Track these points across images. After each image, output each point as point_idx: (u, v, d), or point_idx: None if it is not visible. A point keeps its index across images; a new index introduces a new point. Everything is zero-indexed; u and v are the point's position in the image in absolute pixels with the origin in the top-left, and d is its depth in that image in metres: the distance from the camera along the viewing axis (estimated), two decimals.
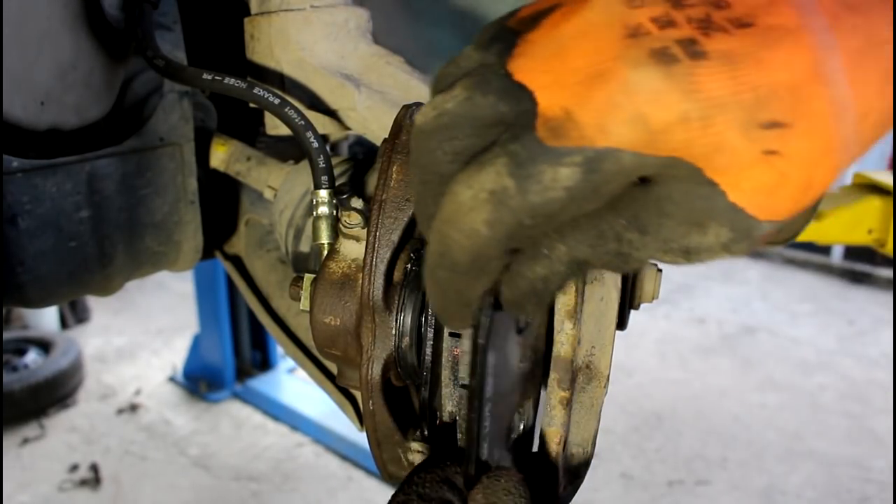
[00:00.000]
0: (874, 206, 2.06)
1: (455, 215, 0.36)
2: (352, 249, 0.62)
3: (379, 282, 0.57)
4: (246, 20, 0.92)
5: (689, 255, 0.36)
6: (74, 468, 3.46)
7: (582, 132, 0.32)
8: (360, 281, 0.58)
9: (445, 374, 0.56)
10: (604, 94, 0.32)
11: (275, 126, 0.95)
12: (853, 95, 0.32)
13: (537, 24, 0.36)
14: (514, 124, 0.34)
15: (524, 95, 0.34)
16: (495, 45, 0.37)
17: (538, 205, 0.34)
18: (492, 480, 0.46)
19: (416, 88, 0.88)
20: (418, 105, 0.63)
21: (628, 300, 0.62)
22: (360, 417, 0.89)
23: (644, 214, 0.36)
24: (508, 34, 0.37)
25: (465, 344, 0.49)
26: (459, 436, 0.53)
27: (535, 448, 0.54)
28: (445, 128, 0.36)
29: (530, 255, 0.39)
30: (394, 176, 0.58)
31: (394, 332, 0.58)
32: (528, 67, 0.34)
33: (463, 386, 0.49)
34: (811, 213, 0.39)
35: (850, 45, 0.32)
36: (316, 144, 0.71)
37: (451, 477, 0.50)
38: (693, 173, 0.33)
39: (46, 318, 4.79)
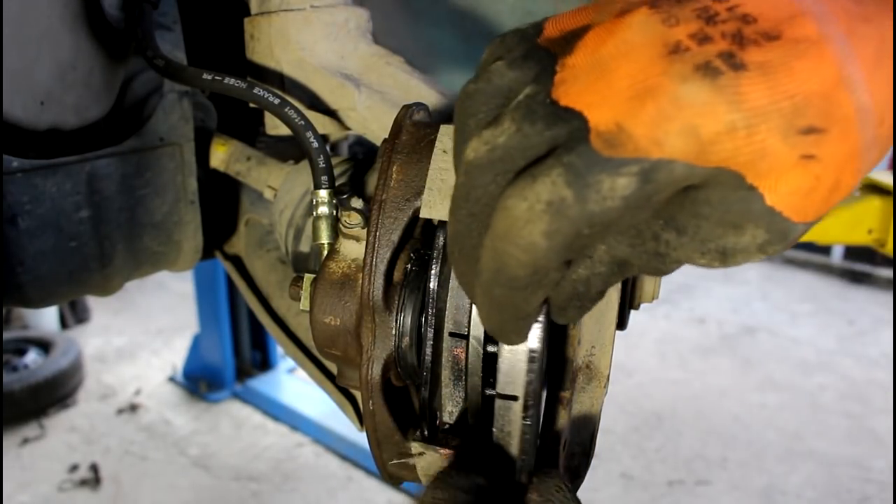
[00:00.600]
0: (874, 206, 2.06)
1: (511, 230, 0.36)
2: (352, 249, 0.62)
3: (379, 282, 0.57)
4: (246, 20, 0.92)
5: (724, 256, 0.37)
6: (74, 468, 3.46)
7: (637, 144, 0.33)
8: (360, 281, 0.58)
9: (445, 374, 0.56)
10: (655, 108, 0.33)
11: (275, 126, 0.95)
12: (872, 101, 0.34)
13: (573, 47, 0.37)
14: (568, 140, 0.35)
15: (573, 116, 0.35)
16: (531, 67, 0.38)
17: (597, 214, 0.34)
18: (542, 480, 0.46)
19: (416, 88, 0.88)
20: (418, 105, 0.63)
21: (628, 300, 0.62)
22: (360, 417, 0.89)
23: (681, 216, 0.37)
24: (543, 56, 0.38)
25: (508, 353, 0.48)
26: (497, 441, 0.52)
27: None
28: (500, 161, 0.37)
29: (581, 262, 0.40)
30: (394, 176, 0.58)
31: (394, 332, 0.58)
32: (574, 92, 0.35)
33: (502, 396, 0.49)
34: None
35: (866, 54, 0.34)
36: (316, 144, 0.71)
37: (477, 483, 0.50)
38: (734, 179, 0.34)
39: (46, 318, 4.79)
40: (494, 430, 0.50)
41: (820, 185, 0.35)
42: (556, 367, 0.56)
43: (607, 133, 0.34)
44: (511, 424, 0.49)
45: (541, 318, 0.46)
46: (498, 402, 0.49)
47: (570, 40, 0.37)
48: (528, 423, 0.48)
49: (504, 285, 0.38)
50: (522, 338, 0.44)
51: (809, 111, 0.33)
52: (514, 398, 0.48)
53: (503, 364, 0.48)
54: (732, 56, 0.33)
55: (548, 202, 0.34)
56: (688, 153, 0.33)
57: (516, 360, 0.47)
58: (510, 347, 0.47)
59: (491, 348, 0.52)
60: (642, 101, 0.33)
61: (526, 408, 0.48)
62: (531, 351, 0.47)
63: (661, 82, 0.33)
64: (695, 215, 0.36)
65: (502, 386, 0.48)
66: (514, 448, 0.49)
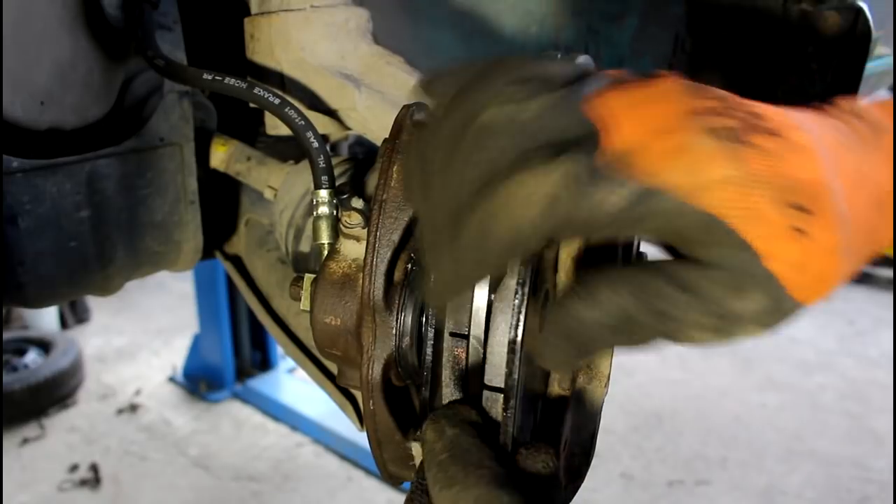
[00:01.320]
0: None
1: (505, 208, 0.39)
2: (352, 249, 0.62)
3: (379, 282, 0.57)
4: (246, 20, 0.92)
5: (724, 323, 0.40)
6: (74, 468, 3.46)
7: (638, 171, 0.38)
8: (361, 281, 0.58)
9: (446, 373, 0.55)
10: (662, 146, 0.38)
11: (275, 126, 0.95)
12: (850, 213, 0.39)
13: (617, 83, 0.42)
14: (581, 147, 0.39)
15: (594, 131, 0.39)
16: (572, 72, 0.43)
17: (582, 219, 0.38)
18: (530, 453, 0.47)
19: None
20: (419, 105, 0.63)
21: None
22: (360, 417, 0.89)
23: (689, 275, 0.40)
24: (591, 75, 0.43)
25: (497, 347, 0.49)
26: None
27: None
28: (516, 132, 0.40)
29: (584, 300, 0.42)
30: (394, 176, 0.58)
31: (394, 332, 0.58)
32: (606, 108, 0.39)
33: (489, 388, 0.49)
34: None
35: (848, 175, 0.40)
36: (316, 144, 0.71)
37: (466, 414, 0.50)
38: (732, 237, 0.38)
39: (46, 318, 4.79)
40: (483, 421, 0.50)
41: (810, 263, 0.38)
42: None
43: (615, 154, 0.38)
44: (496, 417, 0.49)
45: (522, 312, 0.46)
46: (485, 394, 0.50)
47: (609, 81, 0.42)
48: (508, 414, 0.48)
49: (475, 250, 0.41)
50: (451, 298, 0.49)
51: (800, 192, 0.38)
52: (500, 390, 0.48)
53: (492, 356, 0.49)
54: (740, 134, 0.38)
55: (545, 195, 0.38)
56: (682, 190, 0.37)
57: (503, 352, 0.48)
58: (500, 341, 0.48)
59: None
60: (655, 138, 0.38)
61: (507, 399, 0.48)
62: (511, 342, 0.47)
63: (676, 128, 0.38)
64: (705, 277, 0.40)
65: (489, 378, 0.49)
66: (500, 440, 0.50)
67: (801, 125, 0.41)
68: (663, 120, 0.38)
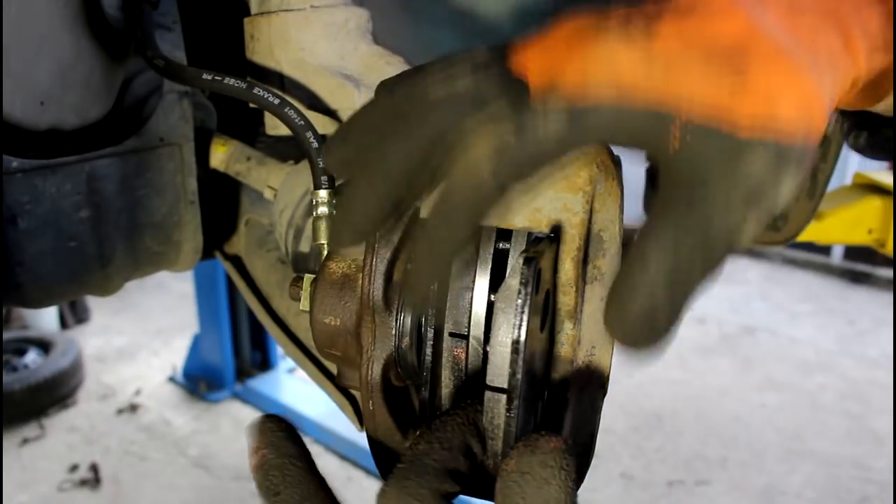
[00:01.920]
0: (874, 206, 2.06)
1: (461, 174, 0.43)
2: (352, 250, 0.62)
3: (379, 282, 0.57)
4: (246, 20, 0.92)
5: (754, 201, 0.38)
6: (74, 468, 3.46)
7: (566, 95, 0.40)
8: (360, 281, 0.58)
9: (446, 374, 0.56)
10: (579, 63, 0.40)
11: (275, 126, 0.95)
12: (794, 37, 0.39)
13: (527, 39, 0.45)
14: (514, 100, 0.42)
15: (522, 80, 0.41)
16: (490, 50, 0.46)
17: (530, 153, 0.41)
18: (527, 449, 0.43)
19: None
20: None
21: None
22: (360, 417, 0.89)
23: (687, 193, 0.39)
24: (511, 45, 0.46)
25: (499, 346, 0.49)
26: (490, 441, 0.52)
27: None
28: (455, 98, 0.43)
29: (645, 273, 0.41)
30: None
31: (394, 332, 0.58)
32: (524, 58, 0.42)
33: (491, 388, 0.49)
34: (811, 212, 0.41)
35: (779, 6, 0.40)
36: (316, 144, 0.71)
37: (475, 419, 0.50)
38: (691, 128, 0.37)
39: (46, 318, 4.79)
40: (485, 422, 0.50)
41: (778, 100, 0.37)
42: (556, 367, 0.56)
43: (542, 89, 0.40)
44: (499, 417, 0.49)
45: (525, 312, 0.46)
46: (487, 395, 0.50)
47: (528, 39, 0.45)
48: (512, 415, 0.48)
49: (444, 227, 0.44)
50: (432, 283, 0.50)
51: (724, 49, 0.38)
52: (503, 390, 0.48)
53: (494, 357, 0.49)
54: (648, 25, 0.39)
55: (492, 147, 0.41)
56: (611, 97, 0.39)
57: (506, 352, 0.48)
58: (502, 341, 0.48)
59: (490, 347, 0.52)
60: (572, 61, 0.40)
61: (510, 400, 0.48)
62: (514, 342, 0.47)
63: (586, 44, 0.40)
64: (700, 183, 0.39)
65: (491, 378, 0.49)
66: (499, 442, 0.50)
67: None
68: (573, 44, 0.41)
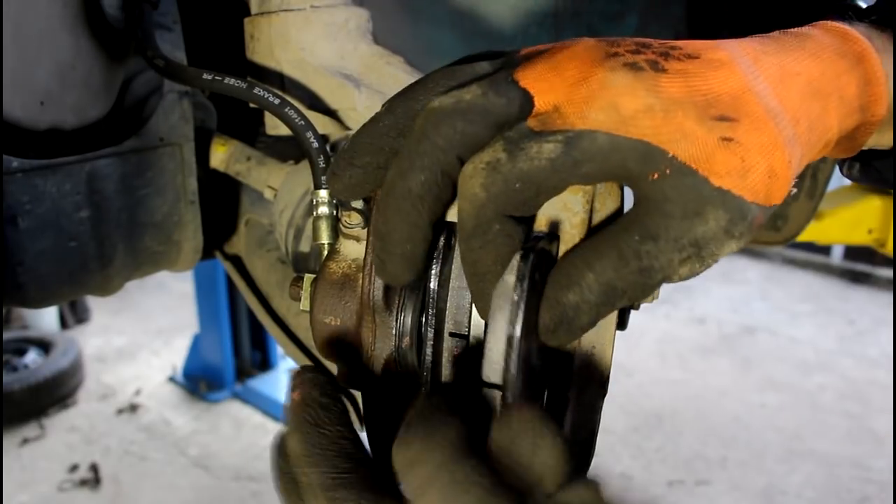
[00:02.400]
0: (874, 206, 2.06)
1: (462, 188, 0.43)
2: (352, 249, 0.62)
3: (379, 282, 0.57)
4: (246, 20, 0.92)
5: (699, 249, 0.41)
6: (74, 468, 3.46)
7: (565, 120, 0.41)
8: (361, 281, 0.58)
9: (446, 374, 0.56)
10: (584, 90, 0.41)
11: (275, 126, 0.95)
12: (781, 106, 0.42)
13: (539, 54, 0.46)
14: (515, 119, 0.43)
15: (527, 99, 0.43)
16: (500, 62, 0.47)
17: (522, 175, 0.41)
18: (508, 417, 0.44)
19: None
20: None
21: None
22: (360, 417, 0.89)
23: (649, 221, 0.42)
24: (515, 58, 0.47)
25: (493, 343, 0.49)
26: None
27: None
28: (462, 112, 0.43)
29: (563, 283, 0.44)
30: None
31: (394, 332, 0.58)
32: (531, 77, 0.43)
33: (486, 385, 0.49)
34: (811, 212, 0.42)
35: (770, 74, 0.43)
36: (316, 144, 0.71)
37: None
38: (670, 162, 0.40)
39: (46, 318, 4.79)
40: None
41: (751, 167, 0.40)
42: (556, 366, 0.56)
43: (544, 114, 0.42)
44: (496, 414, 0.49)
45: (521, 308, 0.46)
46: (484, 391, 0.50)
47: (538, 52, 0.46)
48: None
49: (461, 239, 0.45)
50: (483, 300, 0.49)
51: (720, 104, 0.40)
52: (497, 386, 0.48)
53: (489, 352, 0.49)
54: (656, 63, 0.41)
55: (487, 162, 0.42)
56: (609, 126, 0.40)
57: (500, 347, 0.48)
58: (498, 337, 0.48)
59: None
60: (577, 86, 0.41)
61: (504, 396, 0.48)
62: (509, 337, 0.47)
63: (594, 72, 0.41)
64: (661, 215, 0.41)
65: (486, 374, 0.49)
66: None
67: (718, 45, 0.43)
68: (581, 70, 0.42)
